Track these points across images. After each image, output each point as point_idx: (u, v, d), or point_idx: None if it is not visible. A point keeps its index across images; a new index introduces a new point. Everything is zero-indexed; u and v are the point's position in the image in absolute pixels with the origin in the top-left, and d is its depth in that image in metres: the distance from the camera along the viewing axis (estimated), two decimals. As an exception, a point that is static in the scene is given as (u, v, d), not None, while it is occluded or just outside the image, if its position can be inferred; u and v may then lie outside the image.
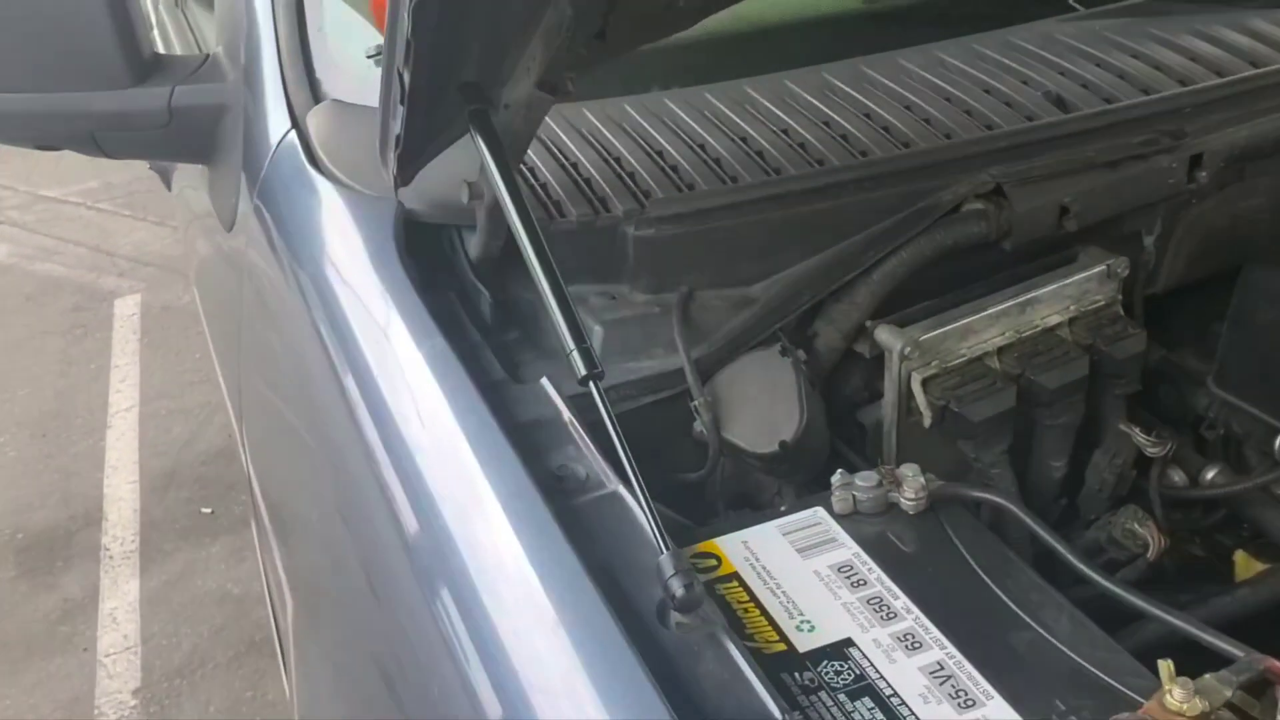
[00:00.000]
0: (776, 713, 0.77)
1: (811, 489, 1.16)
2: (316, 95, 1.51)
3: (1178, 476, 1.40)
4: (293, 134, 1.47)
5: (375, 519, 1.09)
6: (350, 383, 1.18)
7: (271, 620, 1.94)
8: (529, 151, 1.25)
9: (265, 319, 1.55)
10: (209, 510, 3.26)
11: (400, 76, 0.93)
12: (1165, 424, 1.41)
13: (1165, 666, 0.81)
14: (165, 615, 2.92)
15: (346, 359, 1.20)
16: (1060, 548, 1.00)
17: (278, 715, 2.59)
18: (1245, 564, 1.39)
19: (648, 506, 0.87)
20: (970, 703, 0.86)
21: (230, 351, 1.78)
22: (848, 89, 1.43)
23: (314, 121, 1.47)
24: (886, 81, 1.45)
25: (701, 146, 1.34)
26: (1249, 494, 1.36)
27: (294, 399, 1.42)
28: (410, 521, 1.02)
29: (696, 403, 1.13)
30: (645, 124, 1.38)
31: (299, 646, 1.45)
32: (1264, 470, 1.37)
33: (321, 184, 1.37)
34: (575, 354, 0.93)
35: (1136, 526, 1.24)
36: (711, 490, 1.16)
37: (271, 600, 1.83)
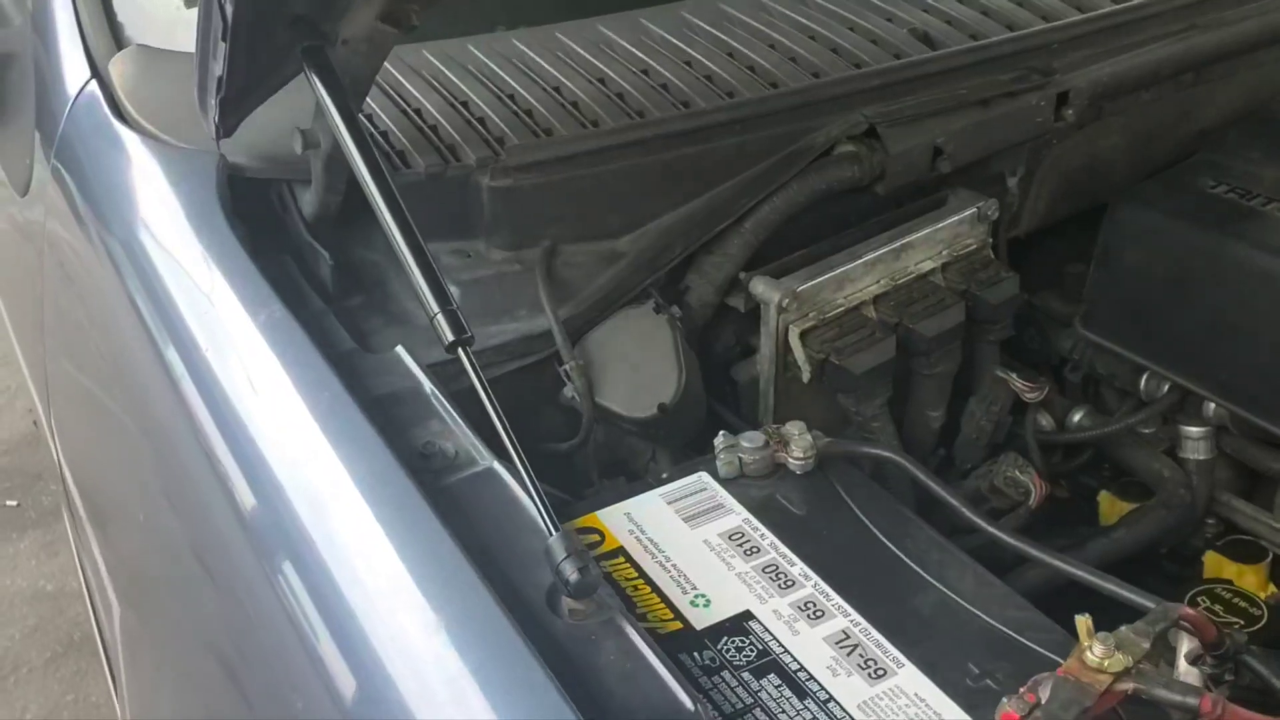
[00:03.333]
0: (688, 703, 0.70)
1: (686, 453, 1.11)
2: (119, 40, 1.37)
3: (1045, 420, 1.39)
4: (93, 84, 1.32)
5: (210, 508, 0.98)
6: (174, 359, 1.06)
7: (91, 616, 1.80)
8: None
9: (72, 293, 1.41)
10: (14, 503, 3.02)
11: (221, 9, 0.82)
12: (1028, 367, 1.40)
13: (1083, 623, 0.78)
14: (-29, 619, 2.69)
15: (168, 333, 1.08)
16: (957, 503, 0.96)
17: (101, 717, 2.41)
18: (1109, 504, 1.40)
19: (532, 483, 0.79)
20: (881, 672, 0.82)
21: (32, 330, 1.63)
22: (708, 27, 1.36)
23: (117, 69, 1.32)
24: (747, 19, 1.39)
25: (556, 89, 1.25)
26: (1116, 435, 1.36)
27: (109, 380, 1.29)
28: (254, 512, 0.92)
29: (568, 367, 1.05)
30: (493, 65, 1.28)
31: (126, 637, 1.35)
32: (1124, 410, 1.38)
33: (130, 138, 1.23)
34: (440, 317, 0.84)
35: (1019, 474, 1.22)
36: (584, 460, 1.09)
37: (91, 595, 1.70)
